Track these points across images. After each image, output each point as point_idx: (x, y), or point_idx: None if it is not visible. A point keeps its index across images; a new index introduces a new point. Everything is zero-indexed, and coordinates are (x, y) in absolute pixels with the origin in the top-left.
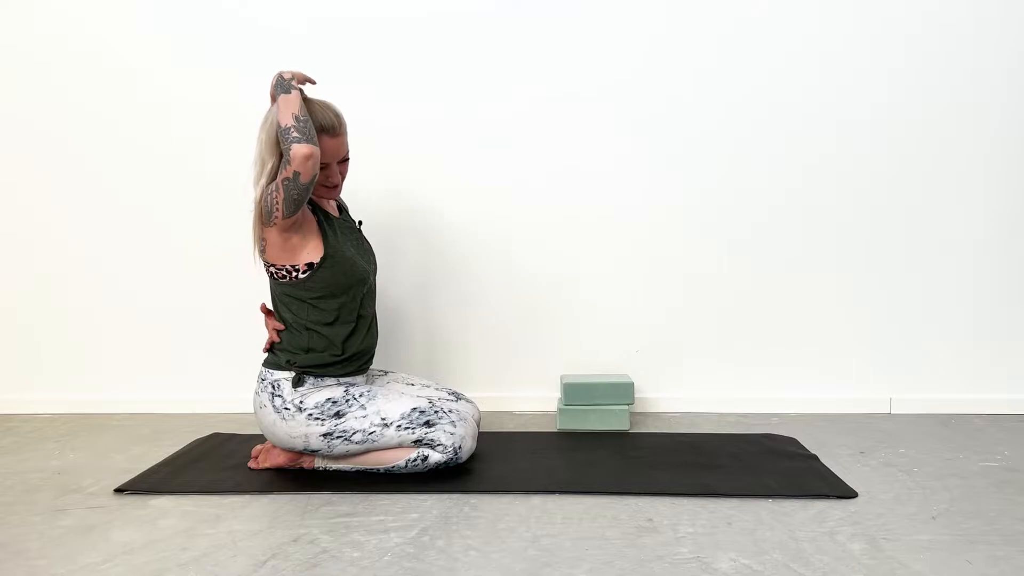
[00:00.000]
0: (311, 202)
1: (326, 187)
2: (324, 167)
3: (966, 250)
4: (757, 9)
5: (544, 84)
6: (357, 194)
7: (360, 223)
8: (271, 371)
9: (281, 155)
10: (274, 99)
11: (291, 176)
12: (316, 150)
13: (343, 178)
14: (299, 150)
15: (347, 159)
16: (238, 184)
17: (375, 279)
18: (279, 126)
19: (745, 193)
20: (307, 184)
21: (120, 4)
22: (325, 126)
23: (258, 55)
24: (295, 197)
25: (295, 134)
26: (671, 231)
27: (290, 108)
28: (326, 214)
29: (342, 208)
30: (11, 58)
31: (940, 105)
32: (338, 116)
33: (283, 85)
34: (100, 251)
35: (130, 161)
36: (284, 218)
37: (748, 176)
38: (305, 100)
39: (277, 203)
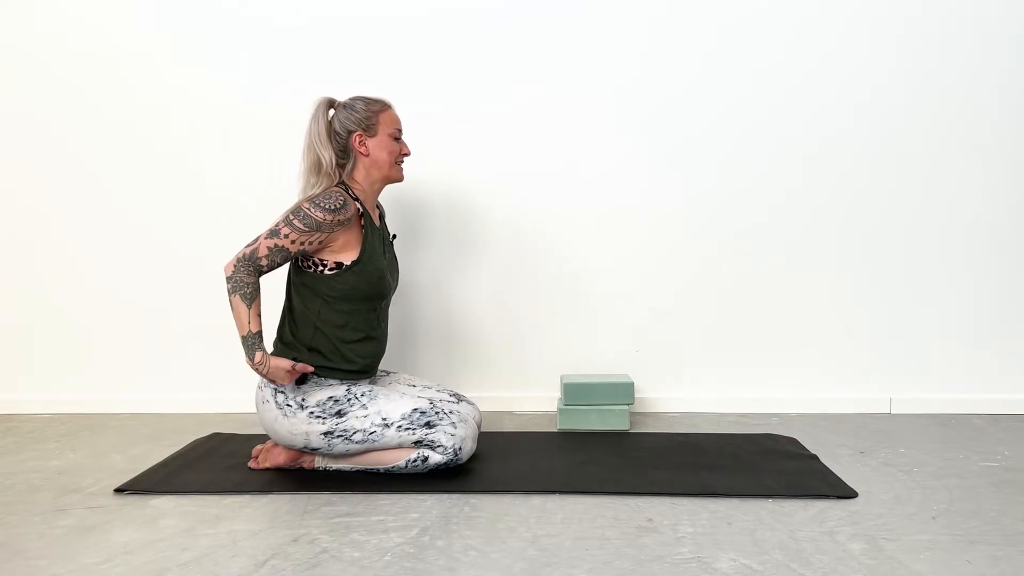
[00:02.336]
0: (362, 204)
1: (398, 164)
2: (397, 139)
3: (966, 250)
4: (754, 9)
5: (544, 85)
6: None
7: (394, 236)
8: None
9: (336, 148)
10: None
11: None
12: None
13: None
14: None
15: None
16: (238, 184)
17: (392, 296)
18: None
19: (745, 194)
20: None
21: (120, 3)
22: (385, 101)
23: (259, 55)
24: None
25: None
26: (671, 232)
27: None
28: (371, 221)
29: (382, 216)
30: (11, 58)
31: (939, 105)
32: None
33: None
34: (100, 251)
35: (132, 161)
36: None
37: (748, 176)
38: (340, 105)
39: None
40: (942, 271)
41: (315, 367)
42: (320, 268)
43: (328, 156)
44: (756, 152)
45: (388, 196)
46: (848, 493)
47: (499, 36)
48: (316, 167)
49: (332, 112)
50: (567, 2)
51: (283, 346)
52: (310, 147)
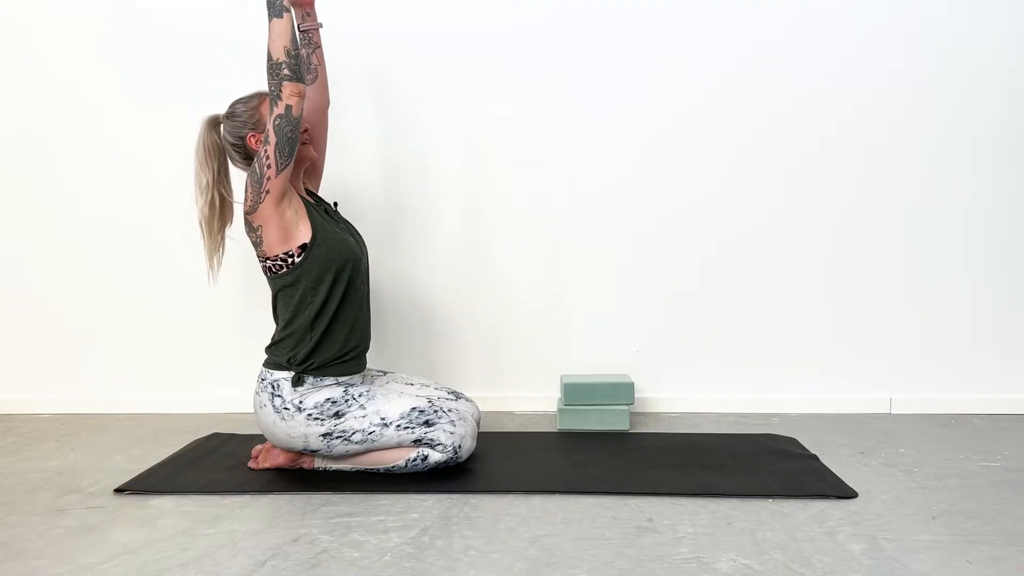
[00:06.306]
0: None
1: (304, 144)
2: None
3: (966, 250)
4: (751, 19)
5: (543, 91)
6: (357, 193)
7: (336, 204)
8: (271, 371)
9: (216, 170)
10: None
11: (283, 112)
12: (304, 88)
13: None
14: (290, 87)
15: None
16: (240, 185)
17: (367, 261)
18: (269, 58)
19: (745, 193)
20: (298, 118)
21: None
22: (259, 92)
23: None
24: (288, 135)
25: (287, 72)
26: (671, 231)
27: (282, 40)
28: (307, 202)
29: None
30: (20, 43)
31: (938, 104)
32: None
33: (275, 7)
34: (100, 251)
35: (132, 162)
36: (279, 171)
37: (747, 176)
38: (223, 117)
39: (268, 156)
40: (942, 271)
41: (307, 361)
42: (292, 260)
43: (206, 178)
44: (756, 153)
45: (398, 199)
46: (848, 493)
47: (511, 51)
48: (197, 186)
49: (222, 128)
50: (573, 23)
51: (276, 348)
52: (195, 171)
